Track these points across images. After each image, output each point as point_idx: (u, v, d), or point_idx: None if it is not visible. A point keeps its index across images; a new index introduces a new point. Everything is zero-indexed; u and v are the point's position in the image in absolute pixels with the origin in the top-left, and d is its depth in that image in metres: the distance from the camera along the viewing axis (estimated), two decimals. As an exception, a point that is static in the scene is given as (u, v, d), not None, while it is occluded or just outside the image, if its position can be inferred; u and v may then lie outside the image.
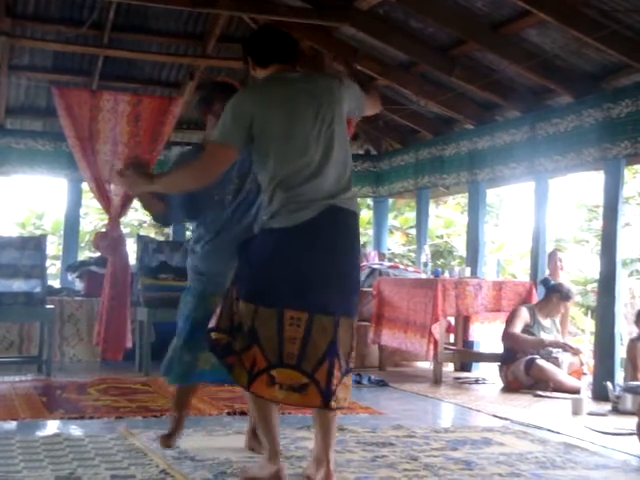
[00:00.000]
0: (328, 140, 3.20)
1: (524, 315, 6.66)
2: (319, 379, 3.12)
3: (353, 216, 3.26)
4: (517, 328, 6.60)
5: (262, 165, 3.25)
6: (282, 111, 3.19)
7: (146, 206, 3.99)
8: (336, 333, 3.15)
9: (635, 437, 4.36)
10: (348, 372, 3.23)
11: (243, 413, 5.01)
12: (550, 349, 6.52)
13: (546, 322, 6.76)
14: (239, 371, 3.16)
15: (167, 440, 3.97)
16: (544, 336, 6.65)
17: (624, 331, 6.78)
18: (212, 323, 3.28)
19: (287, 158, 3.18)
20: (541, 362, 6.42)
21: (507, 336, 6.65)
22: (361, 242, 3.50)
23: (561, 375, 6.42)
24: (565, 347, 6.62)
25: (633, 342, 6.13)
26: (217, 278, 3.72)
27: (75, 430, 4.46)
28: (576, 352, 6.68)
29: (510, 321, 6.68)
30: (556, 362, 6.48)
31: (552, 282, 6.87)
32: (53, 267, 12.70)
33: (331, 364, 3.13)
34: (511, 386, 6.54)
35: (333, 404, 3.14)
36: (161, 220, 4.05)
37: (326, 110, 3.22)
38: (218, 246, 3.80)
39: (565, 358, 6.55)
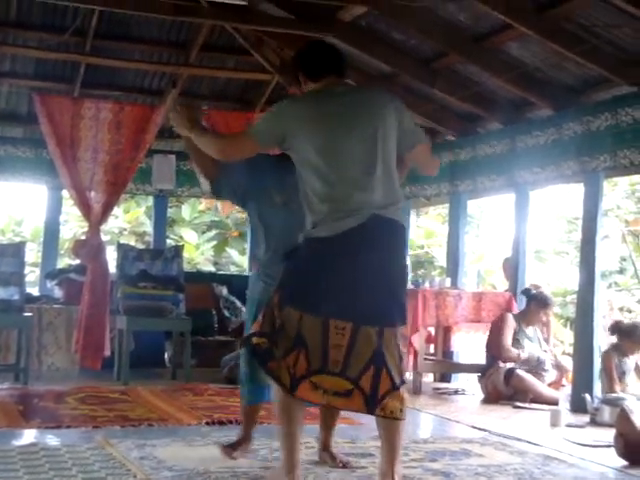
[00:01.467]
0: (372, 155, 3.20)
1: (512, 323, 6.71)
2: (363, 386, 3.15)
3: (398, 226, 3.26)
4: (509, 338, 6.62)
5: (302, 176, 3.27)
6: (324, 126, 3.21)
7: (198, 163, 3.90)
8: (380, 343, 3.16)
9: (613, 449, 4.39)
10: (402, 383, 3.22)
11: (222, 423, 5.00)
12: (543, 360, 6.56)
13: (529, 330, 6.80)
14: (282, 375, 3.16)
15: (230, 451, 4.00)
16: (528, 344, 6.69)
17: (603, 343, 6.82)
18: (253, 328, 3.30)
19: (327, 172, 3.19)
20: (521, 372, 6.45)
21: (500, 348, 6.61)
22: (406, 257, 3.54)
23: (540, 386, 6.45)
24: (555, 366, 6.70)
25: (607, 353, 6.17)
26: None
27: (52, 439, 4.42)
28: (562, 371, 6.73)
29: (501, 330, 6.66)
30: (540, 376, 6.52)
31: (532, 291, 6.93)
32: (32, 274, 12.60)
33: (377, 372, 3.15)
34: (491, 396, 6.56)
35: (379, 412, 3.17)
36: (213, 187, 3.99)
37: (371, 125, 3.22)
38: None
39: (549, 374, 6.60)
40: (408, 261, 3.54)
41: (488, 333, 6.86)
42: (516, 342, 6.65)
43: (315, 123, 3.22)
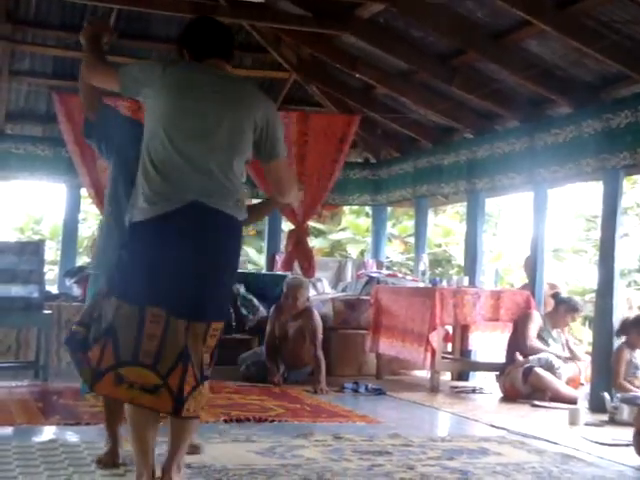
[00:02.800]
0: (212, 141, 3.05)
1: (538, 320, 6.70)
2: (171, 383, 2.97)
3: (222, 217, 3.03)
4: (535, 334, 6.62)
5: (143, 143, 3.11)
6: (179, 96, 3.08)
7: (83, 90, 3.63)
8: (187, 337, 2.99)
9: (632, 448, 4.36)
10: (204, 380, 3.05)
11: (239, 420, 5.01)
12: (551, 360, 6.50)
13: (554, 332, 6.79)
14: (85, 369, 3.04)
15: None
16: (553, 344, 6.67)
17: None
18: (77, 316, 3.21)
19: (163, 146, 3.04)
20: (539, 370, 6.42)
21: (525, 340, 6.59)
22: (241, 249, 3.25)
23: (559, 384, 6.42)
24: (570, 357, 6.66)
25: (619, 349, 6.11)
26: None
27: (71, 436, 4.45)
28: (577, 359, 6.70)
29: (527, 325, 6.65)
30: (554, 371, 6.48)
31: (562, 295, 6.96)
32: (51, 272, 12.68)
33: (184, 370, 2.97)
34: (508, 394, 6.54)
35: (185, 412, 2.99)
36: (85, 125, 3.75)
37: (227, 113, 3.08)
38: None
39: (564, 370, 6.55)
40: (239, 257, 3.26)
41: (512, 329, 6.85)
42: (541, 340, 6.64)
43: (174, 87, 3.08)
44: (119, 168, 3.74)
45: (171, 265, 3.00)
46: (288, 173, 3.41)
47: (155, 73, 3.13)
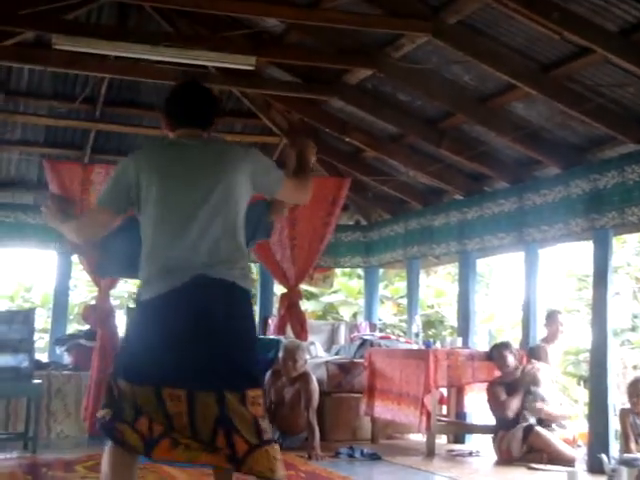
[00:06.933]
0: (203, 211, 3.02)
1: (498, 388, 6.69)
2: (220, 445, 2.91)
3: (228, 286, 3.00)
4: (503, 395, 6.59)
5: (142, 231, 3.11)
6: (160, 177, 3.05)
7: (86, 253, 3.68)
8: (223, 407, 2.93)
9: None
10: (265, 444, 2.96)
11: None
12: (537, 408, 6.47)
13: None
14: (132, 439, 2.90)
15: None
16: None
17: (617, 401, 6.72)
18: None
19: (158, 226, 3.03)
20: (539, 429, 6.35)
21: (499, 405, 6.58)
22: (253, 317, 3.22)
23: (559, 444, 6.34)
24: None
25: (624, 412, 6.08)
26: None
27: (61, 509, 4.36)
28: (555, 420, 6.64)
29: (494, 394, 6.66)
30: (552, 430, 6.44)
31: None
32: (41, 340, 12.58)
33: (227, 434, 2.91)
34: (504, 456, 6.45)
35: (246, 470, 2.93)
36: (97, 269, 3.78)
37: (211, 180, 3.05)
38: None
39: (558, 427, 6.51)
40: (254, 323, 3.21)
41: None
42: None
43: (150, 172, 3.06)
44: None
45: (181, 341, 2.95)
46: (295, 190, 3.36)
47: (127, 171, 3.10)
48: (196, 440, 2.92)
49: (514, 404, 6.51)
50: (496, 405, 6.63)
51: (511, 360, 6.66)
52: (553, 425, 6.52)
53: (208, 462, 2.97)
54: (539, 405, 6.48)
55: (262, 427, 2.97)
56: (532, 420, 6.45)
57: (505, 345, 6.85)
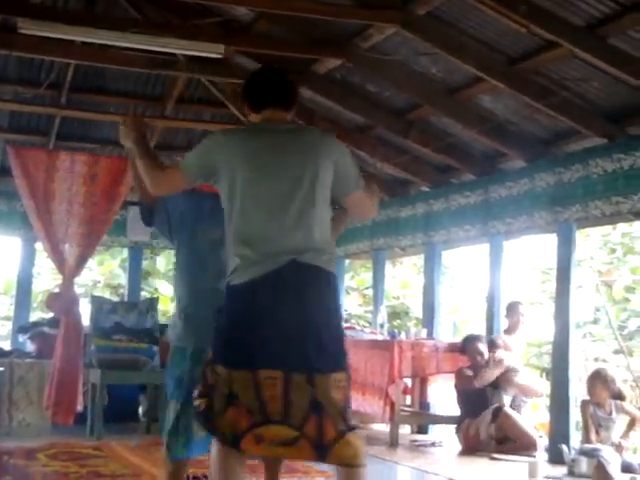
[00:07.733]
0: (294, 197, 3.07)
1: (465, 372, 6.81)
2: (309, 432, 2.97)
3: (319, 272, 3.08)
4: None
5: (225, 215, 3.14)
6: (251, 161, 3.07)
7: (138, 179, 3.60)
8: (314, 391, 2.99)
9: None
10: (351, 430, 3.03)
11: (196, 478, 4.91)
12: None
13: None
14: (225, 431, 2.99)
15: None
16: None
17: (579, 393, 6.81)
18: (196, 390, 3.16)
19: (247, 211, 3.06)
20: (508, 410, 6.43)
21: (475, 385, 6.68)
22: (340, 302, 3.32)
23: (526, 426, 6.42)
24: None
25: (585, 403, 6.15)
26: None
27: (22, 497, 4.33)
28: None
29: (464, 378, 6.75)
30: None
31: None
32: (4, 328, 12.46)
33: (319, 419, 2.98)
34: (470, 443, 6.49)
35: (331, 459, 2.99)
36: (145, 213, 3.76)
37: (300, 166, 3.09)
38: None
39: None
40: (341, 308, 3.31)
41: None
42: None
43: (243, 157, 3.08)
44: (186, 241, 3.73)
45: (275, 323, 3.01)
46: (366, 202, 3.42)
47: (216, 151, 3.11)
48: (286, 424, 2.96)
49: (487, 375, 6.57)
50: (464, 380, 6.66)
51: (484, 352, 6.73)
52: (526, 399, 6.65)
53: (292, 456, 3.10)
54: (516, 378, 6.60)
55: (347, 413, 3.06)
56: (505, 400, 6.55)
57: (477, 337, 6.92)
